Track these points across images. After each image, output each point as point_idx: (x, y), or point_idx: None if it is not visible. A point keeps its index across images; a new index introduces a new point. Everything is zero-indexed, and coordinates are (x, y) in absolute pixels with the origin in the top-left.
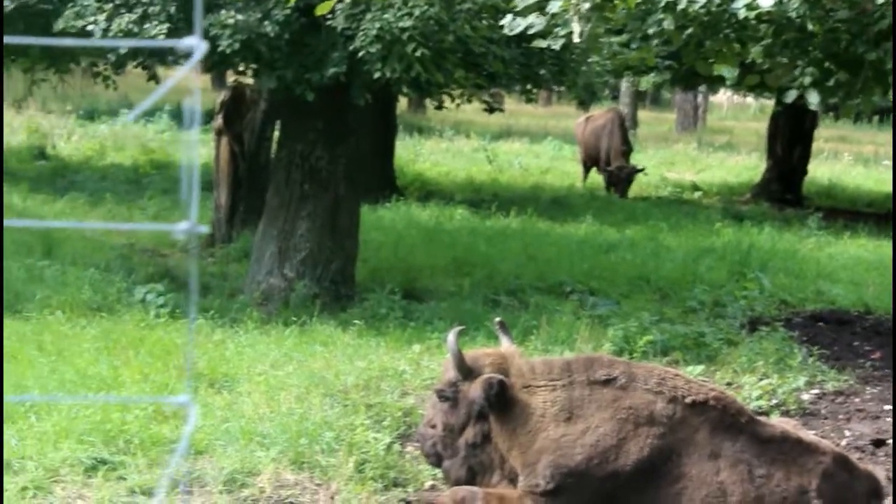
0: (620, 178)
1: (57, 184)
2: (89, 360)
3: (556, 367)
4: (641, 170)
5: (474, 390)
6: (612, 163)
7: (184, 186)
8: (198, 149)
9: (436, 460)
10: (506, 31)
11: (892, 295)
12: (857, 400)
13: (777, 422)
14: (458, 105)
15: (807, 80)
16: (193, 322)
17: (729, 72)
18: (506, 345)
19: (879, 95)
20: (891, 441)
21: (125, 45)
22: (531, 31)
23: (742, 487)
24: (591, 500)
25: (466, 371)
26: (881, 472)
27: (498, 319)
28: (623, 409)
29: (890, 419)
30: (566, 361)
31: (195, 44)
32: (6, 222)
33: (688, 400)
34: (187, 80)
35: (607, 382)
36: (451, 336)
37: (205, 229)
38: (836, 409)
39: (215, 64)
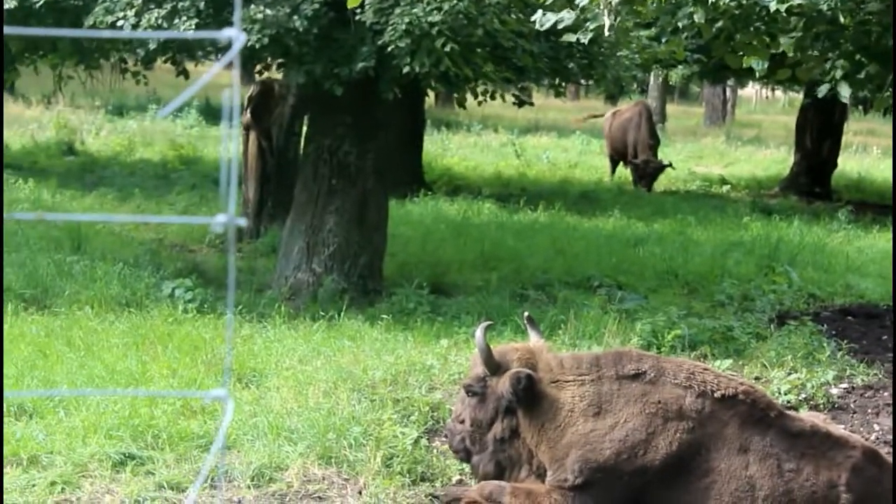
0: (647, 173)
1: (86, 179)
2: (118, 355)
3: (584, 362)
4: (668, 165)
5: (502, 385)
6: (640, 156)
7: (222, 179)
8: (237, 141)
9: (465, 455)
10: (536, 26)
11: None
12: (886, 394)
13: (806, 416)
14: (480, 103)
15: (838, 73)
16: (231, 316)
17: (759, 64)
18: (534, 339)
19: None
20: None
21: (165, 36)
22: (561, 26)
23: (771, 482)
24: (619, 495)
25: (494, 366)
26: None
27: (526, 314)
28: (652, 404)
29: None
30: (595, 356)
31: (234, 35)
32: (46, 216)
33: (717, 394)
34: (223, 74)
35: (636, 377)
36: (479, 331)
37: (243, 222)
38: (865, 403)
39: (244, 59)
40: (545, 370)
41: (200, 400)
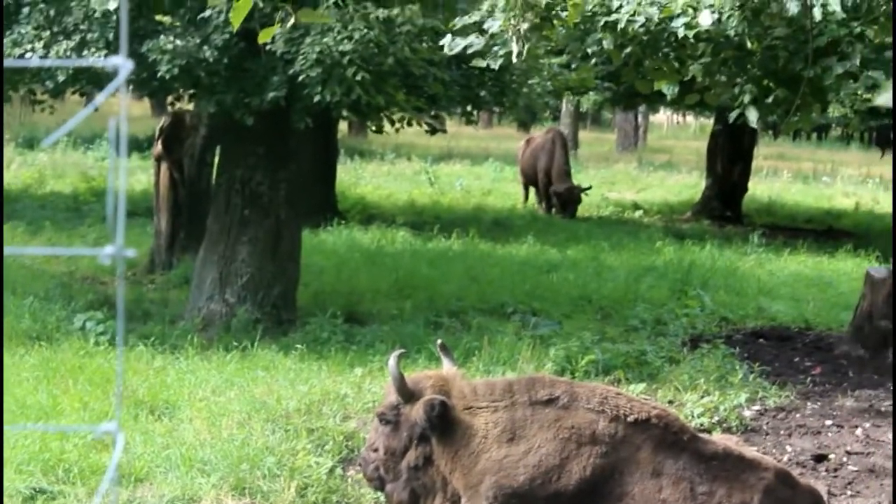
0: (571, 199)
1: None
2: (28, 389)
3: (497, 389)
4: (588, 188)
5: (416, 412)
6: (556, 182)
7: (109, 210)
8: (125, 170)
9: (378, 484)
10: (446, 50)
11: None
12: (797, 416)
13: (719, 438)
14: (397, 130)
15: (746, 97)
16: (122, 347)
17: (668, 88)
18: (447, 367)
19: (818, 112)
20: (832, 456)
21: (54, 64)
22: (470, 51)
23: None
24: None
25: (407, 394)
26: (822, 488)
27: (440, 341)
28: (565, 429)
29: (831, 434)
30: (508, 382)
31: (120, 63)
32: None
33: (630, 418)
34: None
35: (549, 402)
36: (392, 359)
37: (132, 253)
38: (778, 424)
39: (154, 90)
40: (458, 397)
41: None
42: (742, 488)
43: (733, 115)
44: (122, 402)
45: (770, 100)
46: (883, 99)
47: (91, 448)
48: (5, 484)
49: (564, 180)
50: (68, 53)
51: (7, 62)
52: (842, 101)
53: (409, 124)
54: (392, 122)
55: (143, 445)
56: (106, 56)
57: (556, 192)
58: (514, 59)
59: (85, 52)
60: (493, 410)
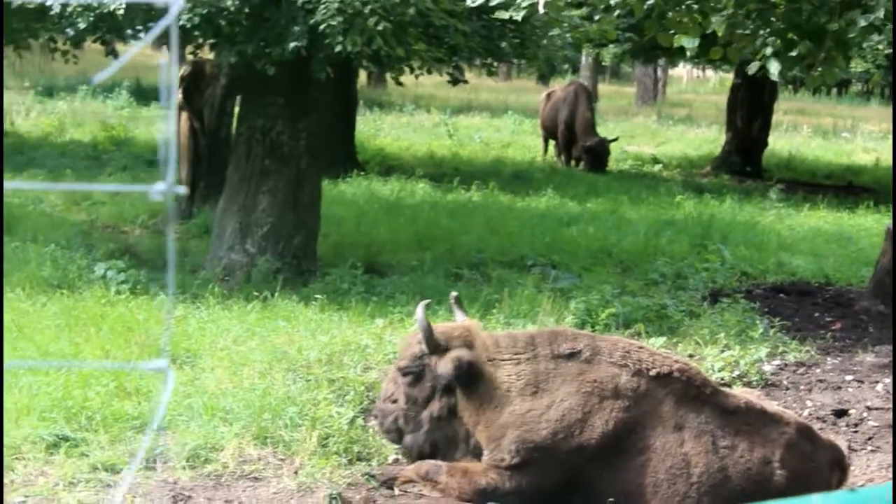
0: (603, 152)
1: (16, 160)
2: (50, 336)
3: (520, 341)
4: (615, 139)
5: (444, 366)
6: (582, 136)
7: (161, 148)
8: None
9: (396, 436)
10: (468, 2)
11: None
12: (818, 370)
13: (740, 393)
14: (417, 77)
15: (768, 50)
16: (172, 283)
17: (690, 43)
18: (461, 319)
19: (842, 66)
20: (852, 411)
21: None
22: (493, 2)
23: (706, 458)
24: (556, 474)
25: (434, 345)
26: (843, 442)
27: (454, 294)
28: (588, 383)
29: (851, 389)
30: (530, 335)
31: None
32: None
33: (652, 372)
34: (152, 56)
35: (572, 356)
36: (420, 309)
37: (183, 189)
38: (798, 379)
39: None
40: (482, 349)
41: (135, 381)
42: (763, 442)
43: (754, 66)
44: (144, 350)
45: (794, 53)
46: None
47: (113, 396)
48: (28, 431)
49: (591, 133)
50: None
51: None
52: (864, 55)
53: (430, 72)
54: (412, 70)
55: (172, 385)
56: (127, 3)
57: (586, 147)
58: (541, 10)
59: None
60: (515, 363)
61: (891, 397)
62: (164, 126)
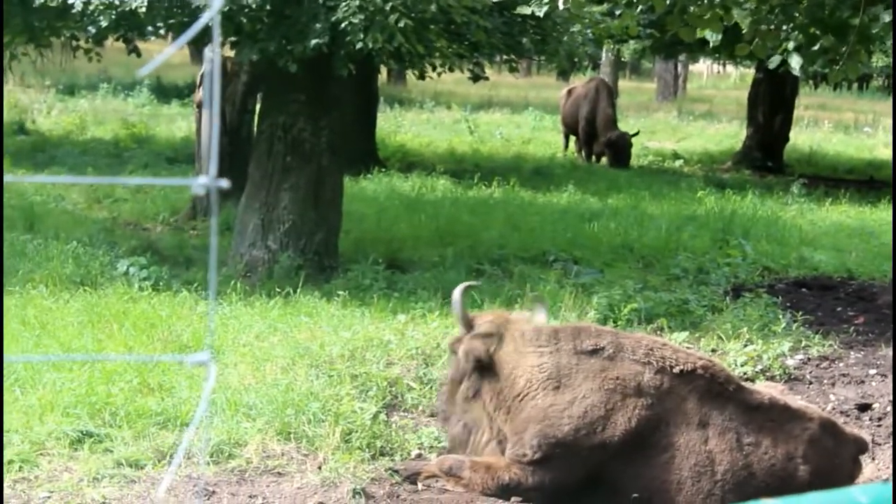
0: (624, 145)
1: (37, 158)
2: (73, 333)
3: (543, 334)
4: (636, 133)
5: (463, 347)
6: (603, 132)
7: (204, 140)
8: (218, 101)
9: (442, 417)
10: None
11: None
12: (841, 364)
13: (764, 388)
14: (439, 74)
15: (790, 44)
16: (214, 275)
17: (712, 36)
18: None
19: (864, 61)
20: (876, 405)
21: None
22: None
23: (730, 456)
24: (579, 470)
25: (468, 324)
26: (866, 437)
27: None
28: (611, 380)
29: (874, 383)
30: (554, 329)
31: None
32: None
33: (675, 369)
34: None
35: (594, 352)
36: (457, 291)
37: (226, 183)
38: (821, 374)
39: (195, 37)
40: (510, 339)
41: (158, 376)
42: (787, 439)
43: (775, 60)
44: (167, 346)
45: (816, 48)
46: None
47: (136, 392)
48: (52, 427)
49: (613, 128)
50: None
51: None
52: (886, 50)
53: (451, 69)
54: (434, 67)
55: (188, 390)
56: (149, 1)
57: (608, 141)
58: (561, 6)
59: None
60: (538, 355)
61: None
62: (202, 120)
